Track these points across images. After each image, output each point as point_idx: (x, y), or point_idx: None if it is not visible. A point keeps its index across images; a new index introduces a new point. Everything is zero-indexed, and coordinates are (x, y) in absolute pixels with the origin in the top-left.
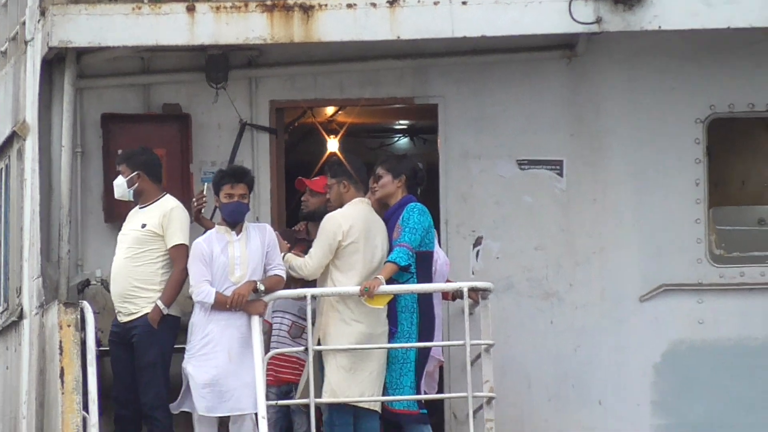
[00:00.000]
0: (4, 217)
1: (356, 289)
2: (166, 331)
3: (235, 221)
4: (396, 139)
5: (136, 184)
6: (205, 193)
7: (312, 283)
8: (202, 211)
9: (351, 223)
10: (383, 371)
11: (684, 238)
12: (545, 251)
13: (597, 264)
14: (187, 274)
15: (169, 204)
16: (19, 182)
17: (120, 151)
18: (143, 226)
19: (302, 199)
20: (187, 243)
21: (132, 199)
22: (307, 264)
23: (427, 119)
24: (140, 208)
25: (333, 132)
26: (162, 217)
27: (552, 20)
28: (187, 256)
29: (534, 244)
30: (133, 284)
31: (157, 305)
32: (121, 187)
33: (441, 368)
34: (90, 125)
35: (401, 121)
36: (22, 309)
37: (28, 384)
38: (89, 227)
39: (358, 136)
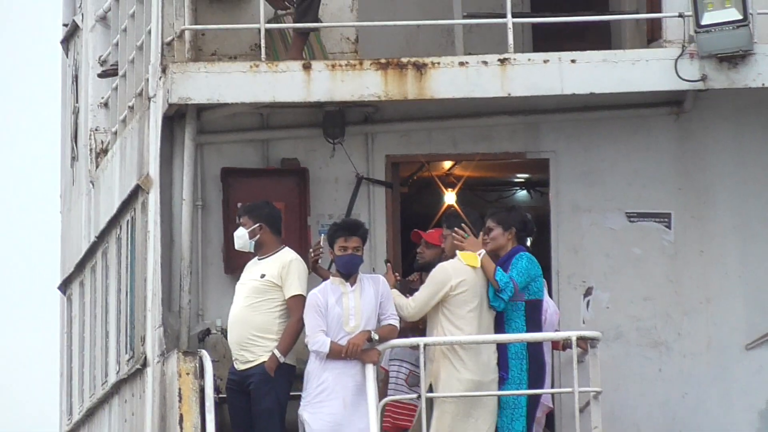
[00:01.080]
0: (130, 267)
1: (470, 338)
2: (283, 379)
3: (349, 273)
4: (513, 191)
5: (258, 236)
6: (321, 243)
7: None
8: (319, 261)
9: (462, 276)
10: (494, 418)
11: None
12: (653, 301)
13: (704, 314)
14: (303, 324)
15: (288, 256)
16: (143, 234)
17: (239, 205)
18: (262, 276)
19: (417, 250)
20: (304, 294)
21: (252, 250)
22: (410, 305)
23: (541, 173)
24: (259, 259)
25: (450, 185)
26: (281, 268)
27: (658, 78)
28: (304, 307)
29: (643, 295)
30: (251, 332)
31: (273, 354)
32: (242, 238)
33: (549, 414)
34: (210, 179)
35: (518, 175)
36: (145, 357)
37: (151, 430)
38: (209, 278)
39: (475, 188)
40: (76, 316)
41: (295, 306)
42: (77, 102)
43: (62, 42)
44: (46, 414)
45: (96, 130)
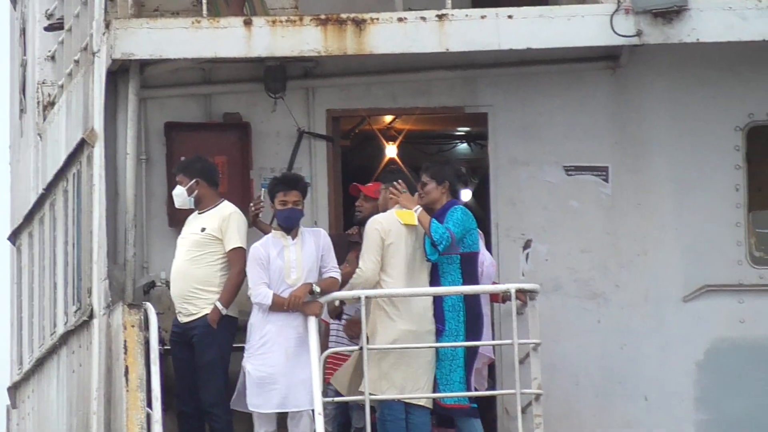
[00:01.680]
0: (76, 220)
1: (407, 290)
2: (225, 331)
3: (289, 227)
4: (454, 144)
5: (196, 191)
6: (262, 198)
7: None
8: (260, 215)
9: (389, 225)
10: (432, 368)
11: (725, 241)
12: (591, 254)
13: (641, 266)
14: (244, 277)
15: (227, 209)
16: (88, 187)
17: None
18: (203, 230)
19: (356, 204)
20: (244, 246)
21: (193, 206)
22: (361, 271)
23: (479, 126)
24: (199, 213)
25: (391, 138)
26: (221, 221)
27: (594, 33)
28: (245, 259)
29: (581, 247)
30: (193, 286)
31: (216, 306)
32: (181, 196)
33: (491, 366)
34: (154, 133)
35: (458, 128)
36: (92, 309)
37: (97, 381)
38: (154, 231)
39: (416, 142)
40: (25, 266)
41: (235, 258)
42: (25, 55)
43: None
44: None
45: (43, 83)
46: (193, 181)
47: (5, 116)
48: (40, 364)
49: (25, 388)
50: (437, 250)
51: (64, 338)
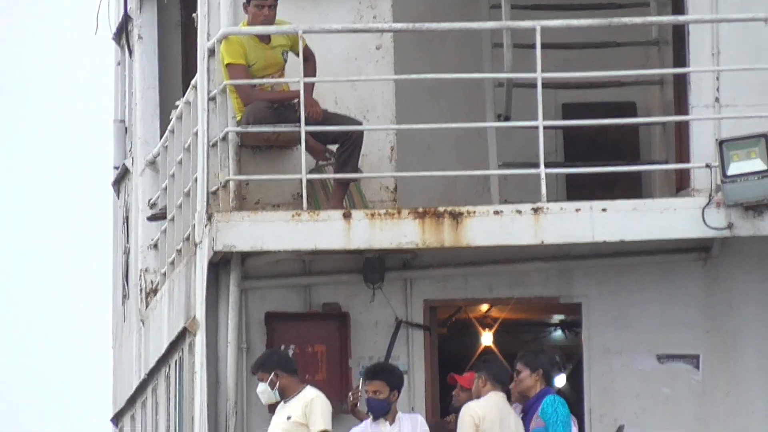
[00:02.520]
0: (178, 405)
1: None
2: None
3: (374, 416)
4: (548, 332)
5: (277, 384)
6: (360, 388)
7: None
8: (358, 405)
9: (484, 412)
10: None
11: None
12: None
13: None
14: None
15: (309, 395)
16: (190, 374)
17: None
18: (288, 418)
19: (453, 393)
20: (328, 428)
21: (279, 398)
22: None
23: (572, 314)
24: (285, 402)
25: (487, 326)
26: (304, 406)
27: (686, 226)
28: None
29: None
30: None
31: None
32: (265, 392)
33: None
34: (254, 323)
35: (553, 316)
36: None
37: None
38: (253, 417)
39: (511, 329)
40: None
41: None
42: (128, 242)
43: (113, 184)
44: None
45: (146, 270)
46: (273, 374)
47: (108, 301)
48: None
49: None
50: None
51: None
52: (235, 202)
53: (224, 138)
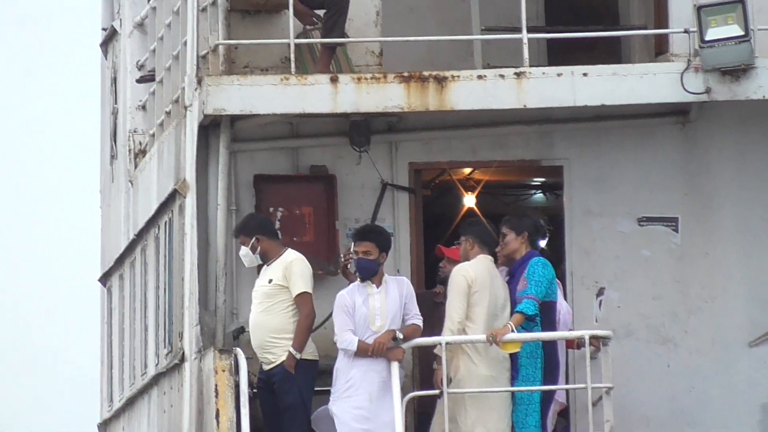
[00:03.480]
0: (168, 266)
1: (483, 336)
2: (304, 375)
3: (361, 277)
4: (530, 194)
5: (258, 248)
6: (351, 250)
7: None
8: (348, 266)
9: (476, 273)
10: (508, 412)
11: None
12: (662, 300)
13: (709, 312)
14: (313, 319)
15: (289, 257)
16: (180, 236)
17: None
18: (270, 281)
19: (440, 265)
20: (309, 290)
21: (261, 262)
22: (451, 321)
23: (554, 176)
24: (267, 265)
25: (470, 188)
26: (284, 270)
27: (665, 90)
28: (311, 303)
29: (652, 294)
30: (269, 335)
31: (290, 352)
32: (247, 256)
33: (563, 411)
34: (243, 185)
35: (534, 179)
36: (183, 353)
37: (189, 423)
38: (243, 278)
39: (493, 192)
40: (115, 307)
41: (302, 303)
42: (116, 103)
43: (101, 45)
44: (88, 400)
45: (134, 131)
46: (254, 239)
47: (96, 161)
48: (130, 402)
49: (116, 426)
50: (535, 322)
51: (156, 379)
52: (224, 66)
53: (213, 2)
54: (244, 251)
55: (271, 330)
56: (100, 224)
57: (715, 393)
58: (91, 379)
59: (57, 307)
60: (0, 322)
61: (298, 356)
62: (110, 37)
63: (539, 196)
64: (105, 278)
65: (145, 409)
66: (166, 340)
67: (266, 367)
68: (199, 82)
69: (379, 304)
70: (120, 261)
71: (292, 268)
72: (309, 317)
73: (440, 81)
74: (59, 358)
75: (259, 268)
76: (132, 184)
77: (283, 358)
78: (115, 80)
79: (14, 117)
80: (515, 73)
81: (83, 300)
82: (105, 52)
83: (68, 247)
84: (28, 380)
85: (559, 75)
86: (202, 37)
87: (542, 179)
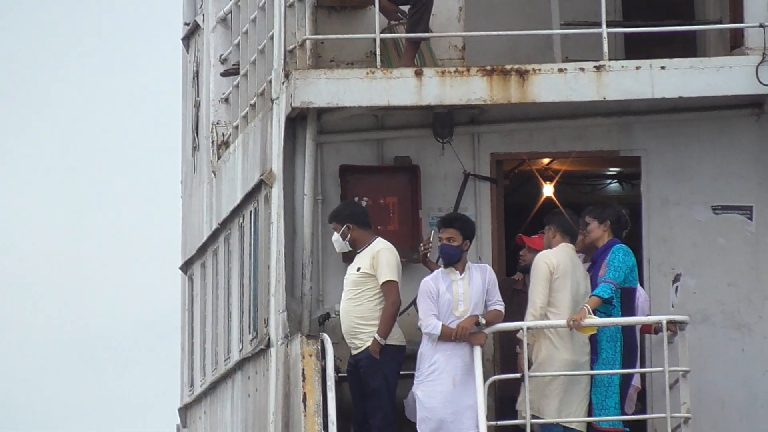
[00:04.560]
0: (253, 254)
1: (564, 321)
2: (390, 360)
3: (446, 263)
4: (606, 184)
5: (349, 236)
6: (431, 239)
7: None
8: (428, 255)
9: (558, 260)
10: (587, 394)
11: None
12: (737, 287)
13: None
14: (398, 307)
15: (377, 246)
16: (266, 225)
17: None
18: (358, 269)
19: (521, 253)
20: (395, 279)
21: (351, 248)
22: (534, 306)
23: (632, 167)
24: (357, 253)
25: (548, 178)
26: (372, 259)
27: (741, 83)
28: (397, 291)
29: (727, 281)
30: (356, 322)
31: (375, 338)
32: (338, 242)
33: (639, 394)
34: (329, 176)
35: (611, 169)
36: (269, 338)
37: (275, 406)
38: (328, 266)
39: (571, 182)
40: (197, 294)
41: (388, 291)
42: (198, 96)
43: (183, 39)
44: (168, 383)
45: (217, 123)
46: (345, 226)
47: (178, 153)
48: (212, 387)
49: (197, 410)
50: (612, 305)
51: (240, 364)
52: (311, 60)
53: None
54: (336, 237)
55: (357, 316)
56: (181, 214)
57: None
58: (171, 365)
59: (138, 294)
60: (84, 308)
61: (383, 342)
62: (192, 31)
63: (615, 185)
64: (186, 266)
65: (228, 393)
66: (251, 326)
67: (354, 352)
68: (287, 75)
69: (462, 290)
70: (202, 249)
71: (379, 257)
72: (394, 305)
73: (522, 74)
74: (141, 343)
75: (347, 255)
76: (215, 174)
77: (369, 343)
78: (197, 74)
79: (97, 111)
80: (595, 67)
81: (164, 287)
82: (187, 46)
83: (150, 237)
84: (110, 365)
85: (637, 68)
86: (289, 32)
87: (618, 169)
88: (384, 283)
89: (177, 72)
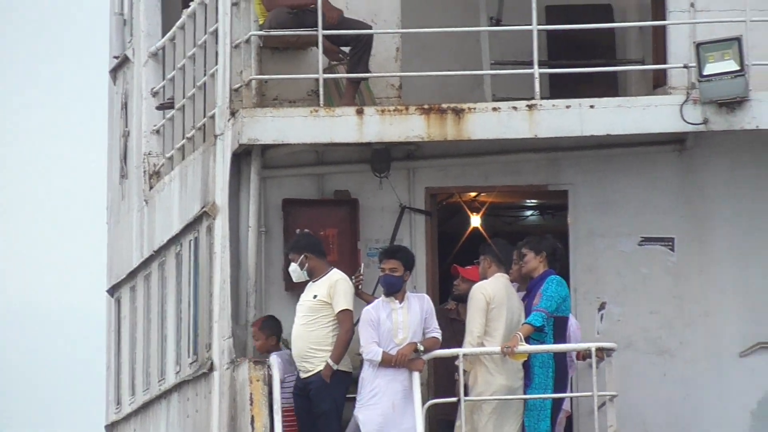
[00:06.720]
0: (193, 282)
1: (498, 348)
2: (339, 384)
3: (387, 292)
4: (527, 215)
5: (306, 265)
6: (362, 272)
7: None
8: (360, 287)
9: (494, 291)
10: (519, 418)
11: None
12: (659, 314)
13: (703, 325)
14: (352, 335)
15: (335, 276)
16: (208, 254)
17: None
18: (314, 297)
19: (455, 283)
20: (350, 308)
21: (308, 278)
22: (471, 336)
23: (554, 199)
24: (313, 282)
25: (476, 209)
26: (329, 287)
27: (666, 121)
28: (351, 320)
29: (650, 309)
30: (309, 346)
31: (327, 363)
32: (296, 272)
33: (568, 419)
34: (272, 208)
35: (532, 201)
36: (212, 363)
37: (219, 428)
38: (272, 295)
39: (496, 213)
40: (125, 317)
41: (343, 319)
42: (127, 126)
43: (111, 71)
44: (90, 401)
45: (149, 154)
46: (303, 256)
47: (103, 180)
48: (144, 407)
49: (126, 428)
50: (544, 332)
51: (178, 386)
52: (256, 99)
53: (247, 40)
54: (293, 267)
55: (311, 341)
56: (107, 239)
57: (709, 400)
58: (94, 382)
59: (62, 316)
60: (12, 325)
61: (335, 367)
62: (120, 64)
63: (535, 216)
64: (114, 290)
65: (163, 413)
66: (191, 350)
67: (303, 375)
68: (233, 113)
69: (401, 319)
70: (133, 274)
71: (337, 286)
72: (348, 333)
73: (458, 113)
74: (65, 361)
75: (290, 282)
76: (147, 203)
77: (320, 368)
78: (125, 105)
79: (28, 138)
80: (527, 106)
81: (88, 308)
82: (114, 78)
83: (74, 259)
84: (37, 381)
85: (567, 107)
86: (234, 72)
87: (541, 201)
88: (340, 311)
89: (102, 103)
